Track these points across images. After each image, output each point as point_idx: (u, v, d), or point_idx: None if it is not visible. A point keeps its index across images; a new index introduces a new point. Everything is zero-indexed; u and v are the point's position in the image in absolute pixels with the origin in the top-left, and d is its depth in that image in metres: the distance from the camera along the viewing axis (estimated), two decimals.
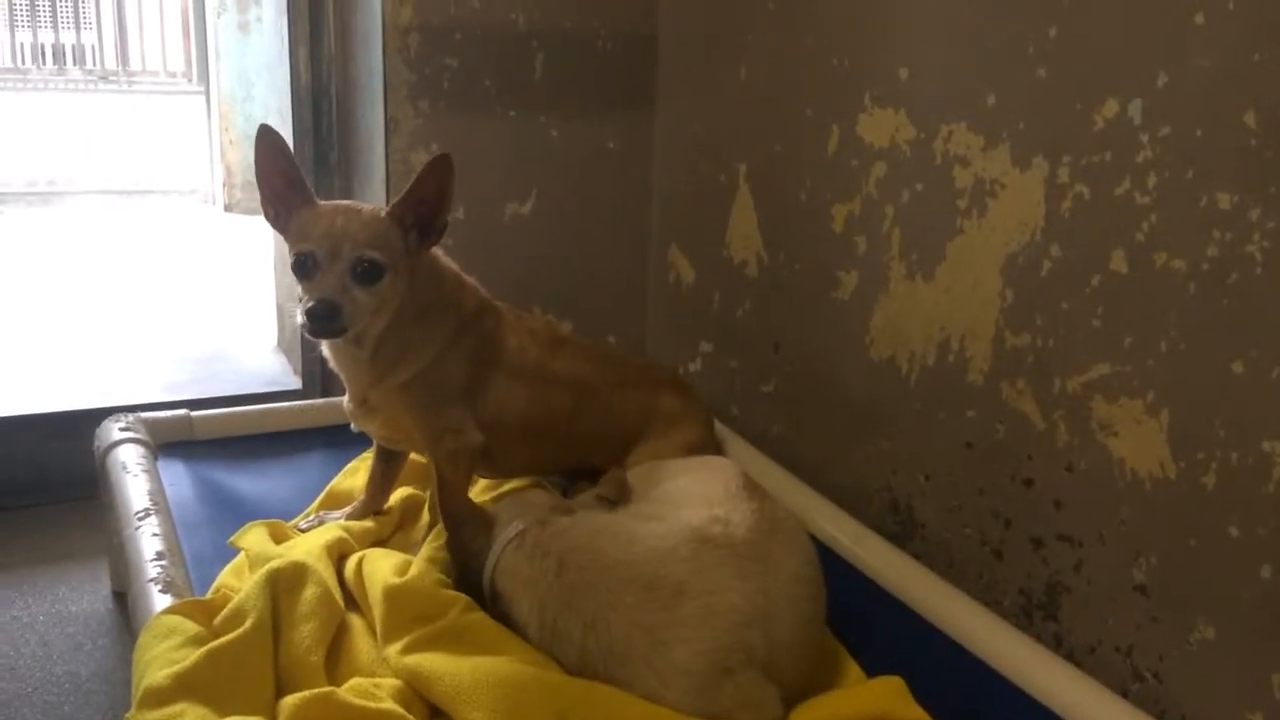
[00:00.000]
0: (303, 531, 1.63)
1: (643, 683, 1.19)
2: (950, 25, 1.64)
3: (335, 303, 1.38)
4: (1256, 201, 1.23)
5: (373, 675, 1.27)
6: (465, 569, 1.40)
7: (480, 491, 1.77)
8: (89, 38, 8.73)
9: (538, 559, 1.29)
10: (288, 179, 1.46)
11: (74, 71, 8.20)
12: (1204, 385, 1.31)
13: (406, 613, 1.31)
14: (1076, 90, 1.44)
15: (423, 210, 1.45)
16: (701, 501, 1.36)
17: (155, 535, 1.54)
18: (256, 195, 1.52)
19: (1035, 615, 1.58)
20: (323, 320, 1.38)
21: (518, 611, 1.30)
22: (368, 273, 1.41)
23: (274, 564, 1.36)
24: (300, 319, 1.40)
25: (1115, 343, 1.42)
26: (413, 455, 1.76)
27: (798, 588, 1.30)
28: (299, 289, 1.42)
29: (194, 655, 1.20)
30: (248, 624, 1.26)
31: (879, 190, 1.81)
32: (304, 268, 1.41)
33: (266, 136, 1.44)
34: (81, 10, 8.68)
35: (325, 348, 1.56)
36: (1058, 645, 1.53)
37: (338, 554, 1.48)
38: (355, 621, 1.37)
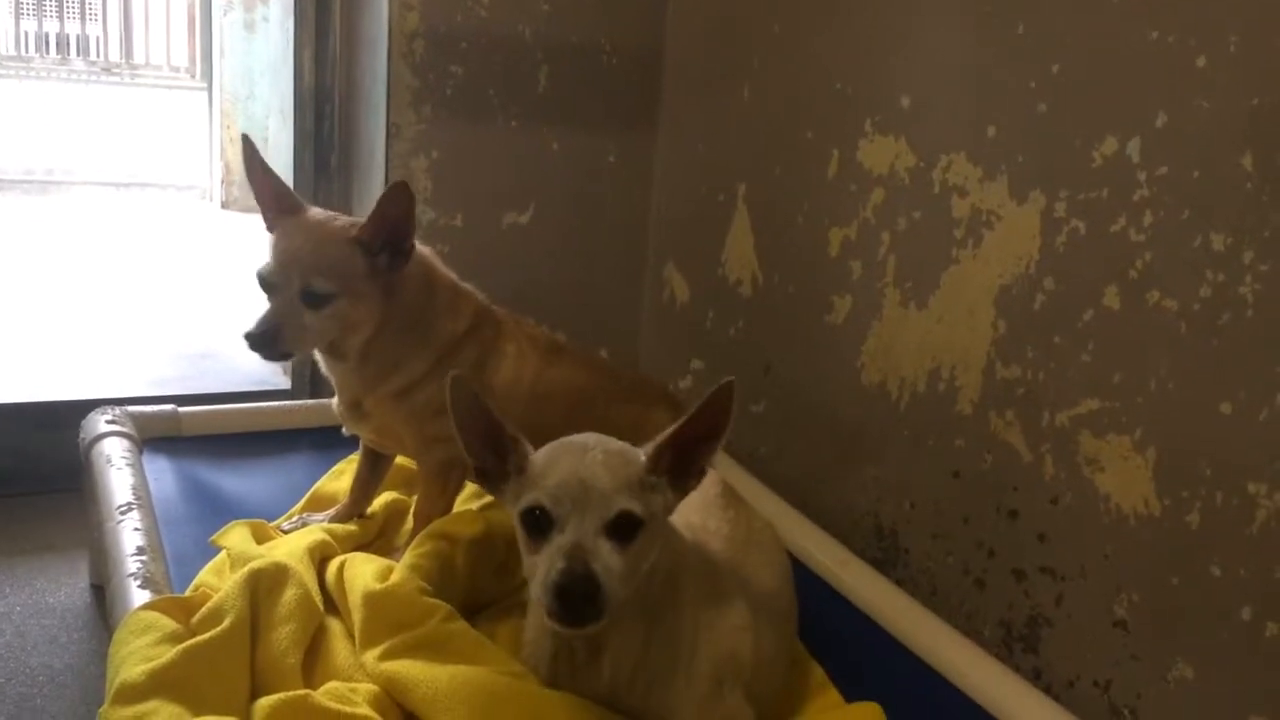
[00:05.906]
0: (285, 533, 1.63)
1: None
2: (954, 57, 1.65)
3: (269, 331, 1.41)
4: (1250, 244, 1.24)
5: (349, 680, 1.26)
6: None
7: (465, 500, 1.76)
8: (94, 29, 8.75)
9: None
10: (269, 187, 1.48)
11: (77, 62, 8.20)
12: (1191, 424, 1.32)
13: (386, 619, 1.30)
14: (1076, 126, 1.45)
15: (393, 232, 1.46)
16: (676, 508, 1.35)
17: (137, 530, 1.53)
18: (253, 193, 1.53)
19: (1015, 647, 1.58)
20: (259, 347, 1.42)
21: None
22: (315, 299, 1.42)
23: (255, 564, 1.35)
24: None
25: (1105, 378, 1.42)
26: (399, 460, 1.75)
27: (773, 601, 1.29)
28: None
29: (170, 653, 1.19)
30: (225, 623, 1.25)
31: (876, 216, 1.81)
32: (265, 284, 1.44)
33: (246, 148, 1.47)
34: (87, 1, 8.70)
35: (316, 352, 1.57)
36: (1036, 678, 1.53)
37: (319, 557, 1.48)
38: (334, 625, 1.36)
